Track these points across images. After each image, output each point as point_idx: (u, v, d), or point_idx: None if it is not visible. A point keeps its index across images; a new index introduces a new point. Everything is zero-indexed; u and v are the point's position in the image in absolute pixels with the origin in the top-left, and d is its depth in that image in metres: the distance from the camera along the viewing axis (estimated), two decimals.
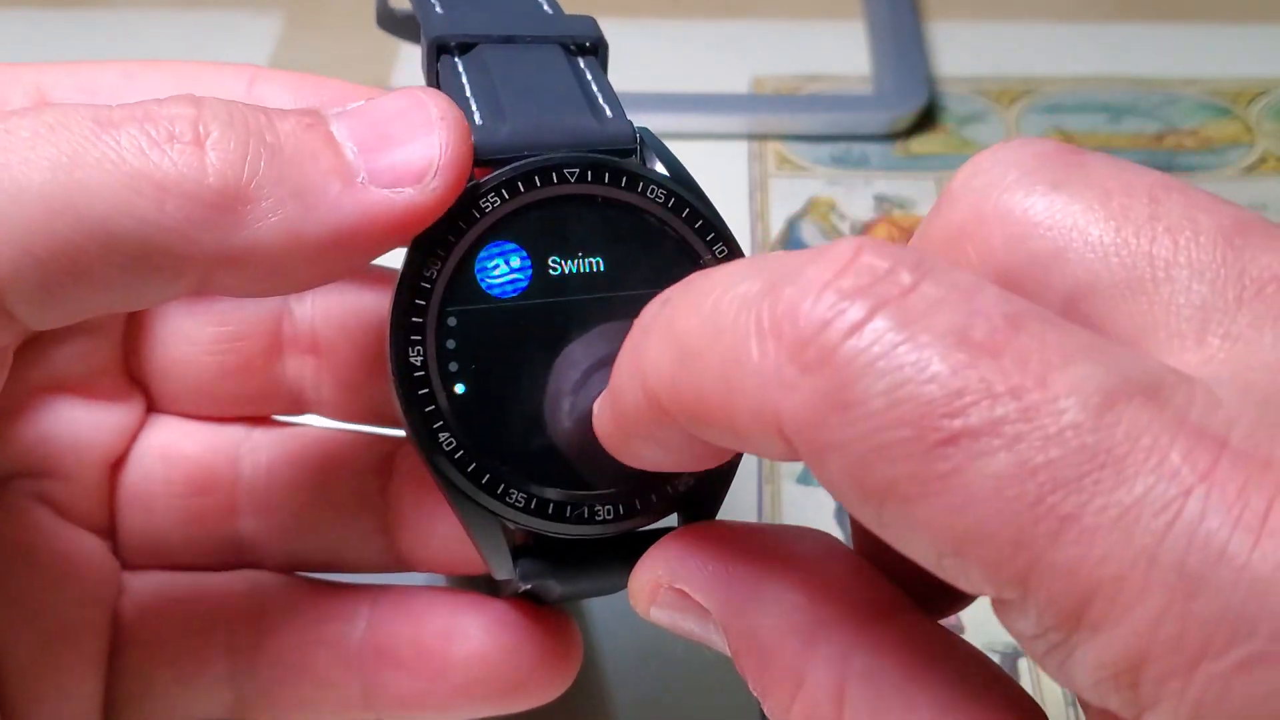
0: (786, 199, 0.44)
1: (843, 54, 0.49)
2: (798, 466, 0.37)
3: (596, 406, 0.21)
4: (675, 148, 0.24)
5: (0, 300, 0.19)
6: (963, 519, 0.15)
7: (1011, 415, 0.15)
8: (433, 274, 0.22)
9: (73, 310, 0.20)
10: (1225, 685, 0.14)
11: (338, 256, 0.21)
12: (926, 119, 0.47)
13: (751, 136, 0.46)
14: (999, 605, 0.16)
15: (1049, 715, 0.18)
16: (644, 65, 0.48)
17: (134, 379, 0.27)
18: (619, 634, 0.32)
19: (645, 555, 0.21)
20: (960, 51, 0.49)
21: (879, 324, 0.15)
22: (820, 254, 0.16)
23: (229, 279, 0.21)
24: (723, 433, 0.17)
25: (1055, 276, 0.18)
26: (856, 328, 0.16)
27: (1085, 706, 0.17)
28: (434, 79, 0.25)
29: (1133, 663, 0.14)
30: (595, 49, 0.25)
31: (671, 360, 0.18)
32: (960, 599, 0.22)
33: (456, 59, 0.25)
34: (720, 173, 0.45)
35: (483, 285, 0.22)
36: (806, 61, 0.49)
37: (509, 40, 0.25)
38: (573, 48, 0.25)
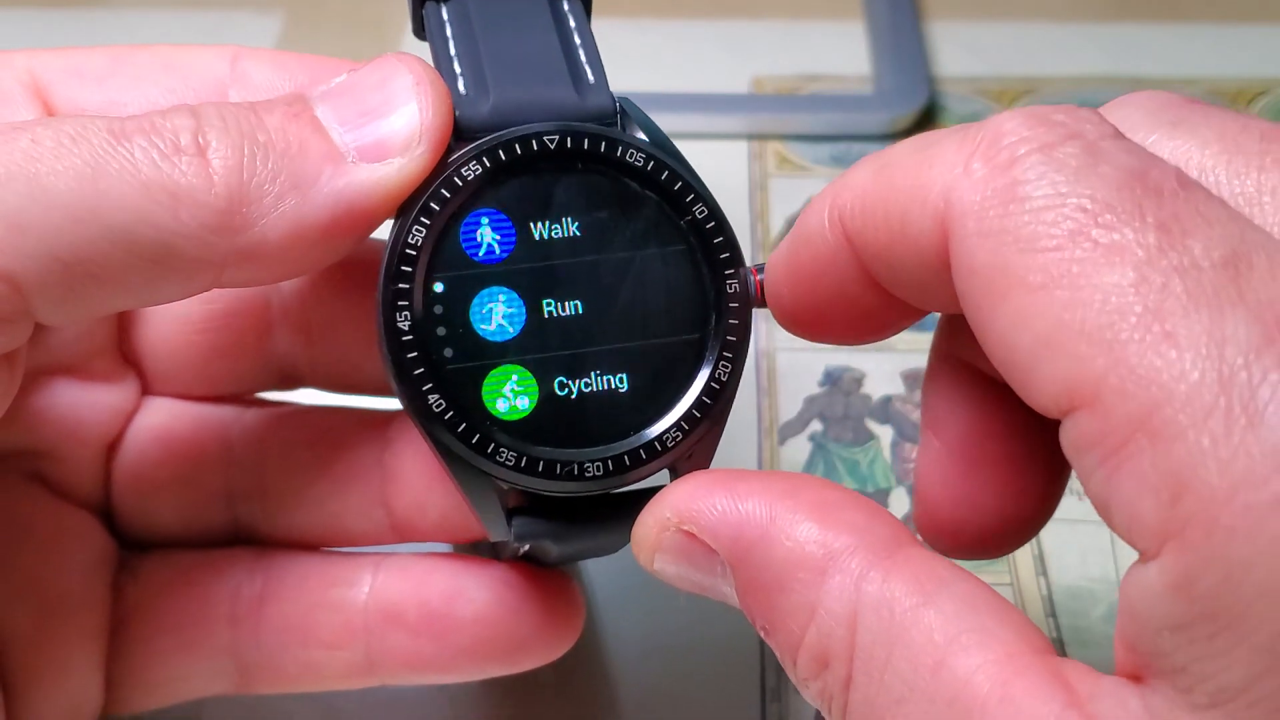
0: (786, 199, 0.44)
1: (843, 54, 0.49)
2: (798, 466, 0.37)
3: (770, 261, 0.23)
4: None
5: (25, 301, 0.20)
6: (1073, 312, 0.16)
7: (1150, 241, 0.16)
8: (418, 241, 0.22)
9: (90, 309, 0.21)
10: (1259, 518, 0.15)
11: (339, 235, 0.22)
12: (926, 119, 0.47)
13: (751, 136, 0.46)
14: (1065, 411, 0.17)
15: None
16: (644, 65, 0.48)
17: (128, 360, 0.28)
18: (621, 598, 0.32)
19: (653, 500, 0.22)
20: (960, 51, 0.49)
21: (1070, 147, 0.18)
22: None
23: (240, 274, 0.22)
24: (886, 222, 0.20)
25: None
26: (1049, 145, 0.18)
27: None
28: (419, 27, 0.26)
29: (1181, 477, 0.15)
30: None
31: (869, 173, 0.20)
32: None
33: (442, 6, 0.25)
34: (720, 173, 0.44)
35: (467, 251, 0.23)
36: (806, 61, 0.49)
37: None
38: None
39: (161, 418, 0.28)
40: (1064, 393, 0.17)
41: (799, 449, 0.37)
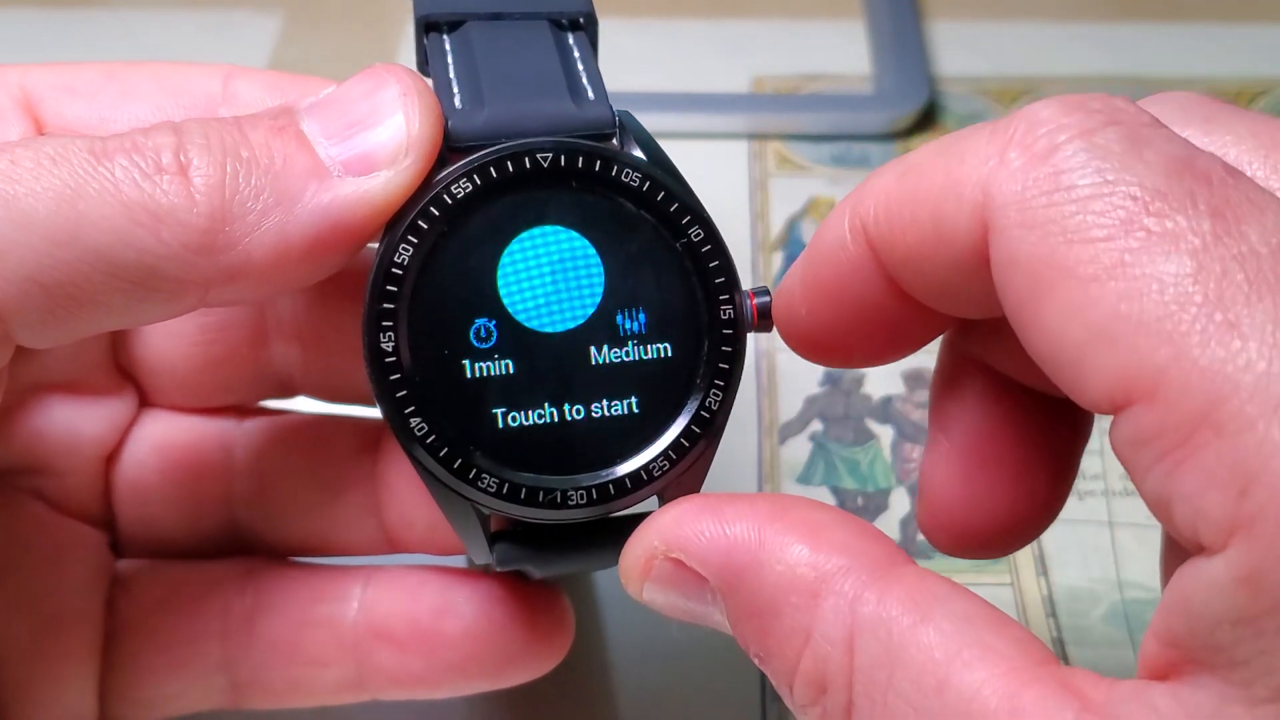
0: (787, 198, 0.44)
1: (843, 54, 0.49)
2: (798, 466, 0.37)
3: (783, 285, 0.22)
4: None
5: (2, 326, 0.20)
6: (1129, 303, 0.16)
7: (1205, 228, 0.16)
8: (404, 261, 0.22)
9: (72, 332, 0.21)
10: None
11: (325, 253, 0.21)
12: (926, 119, 0.47)
13: (751, 136, 0.46)
14: (1119, 407, 0.16)
15: None
16: (644, 65, 0.48)
17: (124, 374, 0.28)
18: (622, 598, 0.32)
19: (639, 528, 0.21)
20: (960, 51, 0.49)
21: (1110, 133, 0.17)
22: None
23: (226, 293, 0.21)
24: (915, 224, 0.19)
25: None
26: (1089, 131, 0.17)
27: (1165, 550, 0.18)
28: (423, 57, 0.25)
29: (1249, 470, 0.15)
30: (584, 24, 0.25)
31: (893, 177, 0.20)
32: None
33: (445, 36, 0.25)
34: (720, 172, 0.45)
35: (455, 270, 0.22)
36: (806, 61, 0.49)
37: (497, 16, 0.25)
38: (563, 23, 0.25)
39: (160, 428, 0.28)
40: (1119, 387, 0.16)
41: (799, 449, 0.37)
